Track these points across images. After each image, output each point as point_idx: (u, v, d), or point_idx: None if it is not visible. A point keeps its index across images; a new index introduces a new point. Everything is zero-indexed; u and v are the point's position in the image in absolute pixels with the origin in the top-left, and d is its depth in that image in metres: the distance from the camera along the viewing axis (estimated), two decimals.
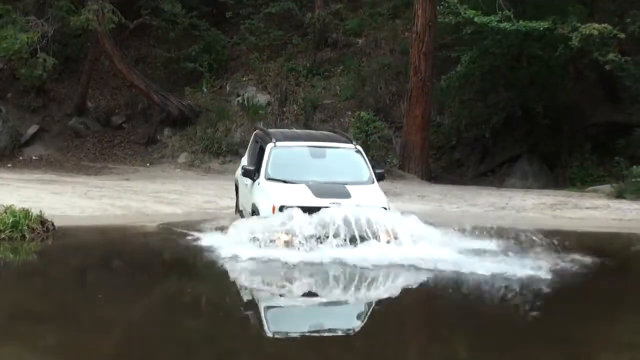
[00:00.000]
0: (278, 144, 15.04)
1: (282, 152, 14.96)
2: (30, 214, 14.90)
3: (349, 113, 29.34)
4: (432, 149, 28.80)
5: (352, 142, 15.81)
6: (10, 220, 14.40)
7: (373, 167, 15.38)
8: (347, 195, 13.66)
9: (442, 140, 29.73)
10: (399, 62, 30.37)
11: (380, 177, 15.06)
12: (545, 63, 26.99)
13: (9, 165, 26.79)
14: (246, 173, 14.88)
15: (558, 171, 28.16)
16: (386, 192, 22.69)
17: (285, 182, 14.29)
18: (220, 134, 29.27)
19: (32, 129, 29.03)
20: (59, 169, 26.60)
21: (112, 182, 24.20)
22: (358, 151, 15.33)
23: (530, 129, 28.28)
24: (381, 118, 28.32)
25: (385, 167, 25.92)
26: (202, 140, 29.09)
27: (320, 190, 13.81)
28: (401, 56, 30.38)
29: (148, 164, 28.57)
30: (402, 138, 28.46)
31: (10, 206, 15.13)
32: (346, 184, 14.24)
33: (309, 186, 13.98)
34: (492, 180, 27.86)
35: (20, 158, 28.13)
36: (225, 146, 28.82)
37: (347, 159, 15.26)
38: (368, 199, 13.81)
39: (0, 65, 29.01)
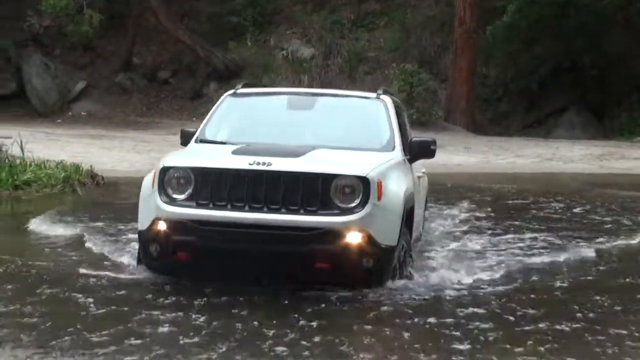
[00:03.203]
0: (240, 91, 9.20)
1: (241, 104, 9.18)
2: (81, 168, 15.29)
3: (394, 65, 29.40)
4: (477, 101, 28.86)
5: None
6: (62, 175, 14.74)
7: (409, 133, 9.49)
8: (295, 154, 7.56)
9: (488, 92, 29.76)
10: (444, 13, 30.35)
11: (423, 150, 8.66)
12: (593, 11, 26.77)
13: (59, 120, 27.27)
14: (183, 138, 8.93)
15: (606, 122, 28.12)
16: None
17: (224, 144, 8.36)
18: None
19: (80, 85, 29.49)
20: (107, 124, 27.02)
21: (159, 136, 24.55)
22: (380, 101, 8.92)
23: (577, 79, 28.19)
24: (426, 70, 28.34)
25: (431, 119, 26.26)
26: None
27: (251, 148, 7.82)
28: (446, 7, 30.34)
29: (194, 118, 28.76)
30: (447, 90, 28.58)
31: (61, 161, 15.56)
32: (336, 147, 8.13)
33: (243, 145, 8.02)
34: (539, 132, 27.92)
35: (70, 114, 28.62)
36: None
37: (353, 114, 9.14)
38: (340, 161, 7.70)
39: (48, 22, 29.41)
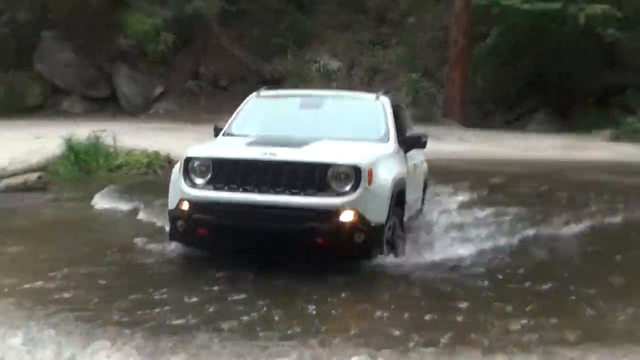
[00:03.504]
0: (263, 93, 8.73)
1: (262, 103, 8.57)
2: (160, 155, 15.04)
3: (402, 75, 28.88)
4: (467, 103, 28.23)
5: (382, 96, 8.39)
6: (145, 161, 14.59)
7: (407, 128, 8.62)
8: (299, 145, 6.92)
9: (477, 96, 29.12)
10: (443, 35, 29.76)
11: (415, 142, 8.03)
12: (557, 37, 26.29)
13: (142, 117, 26.99)
14: (215, 132, 8.38)
15: (568, 119, 27.58)
16: (429, 136, 22.61)
17: (244, 137, 7.64)
18: None
19: (159, 90, 29.11)
20: (181, 121, 26.58)
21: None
22: (379, 101, 8.18)
23: (547, 86, 27.60)
24: (428, 79, 27.87)
25: (431, 117, 25.68)
26: None
27: (262, 140, 7.30)
28: (444, 30, 29.75)
29: None
30: (444, 95, 28.03)
31: (145, 149, 15.30)
32: (337, 139, 7.38)
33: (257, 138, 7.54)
34: (516, 127, 27.30)
35: (151, 112, 28.32)
36: None
37: (355, 111, 8.36)
38: (336, 151, 6.89)
39: (133, 42, 29.01)
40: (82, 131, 15.30)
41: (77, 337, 4.76)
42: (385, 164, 7.00)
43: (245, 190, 6.53)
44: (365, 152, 6.99)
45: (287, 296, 5.67)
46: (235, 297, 5.57)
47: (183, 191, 6.77)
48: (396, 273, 6.54)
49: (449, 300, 5.78)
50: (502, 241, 8.05)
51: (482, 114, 28.73)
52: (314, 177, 6.45)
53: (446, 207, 10.63)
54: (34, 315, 5.13)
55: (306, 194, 6.42)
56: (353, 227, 6.39)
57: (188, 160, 6.85)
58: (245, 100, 8.50)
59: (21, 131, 20.43)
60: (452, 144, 21.10)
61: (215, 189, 6.66)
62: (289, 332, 4.92)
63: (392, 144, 7.61)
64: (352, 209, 6.38)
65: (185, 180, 6.80)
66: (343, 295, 5.78)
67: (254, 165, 6.59)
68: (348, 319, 5.37)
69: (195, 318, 5.10)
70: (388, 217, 6.72)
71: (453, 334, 4.95)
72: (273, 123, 8.24)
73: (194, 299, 5.52)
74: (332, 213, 6.37)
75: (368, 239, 6.48)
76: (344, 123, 8.03)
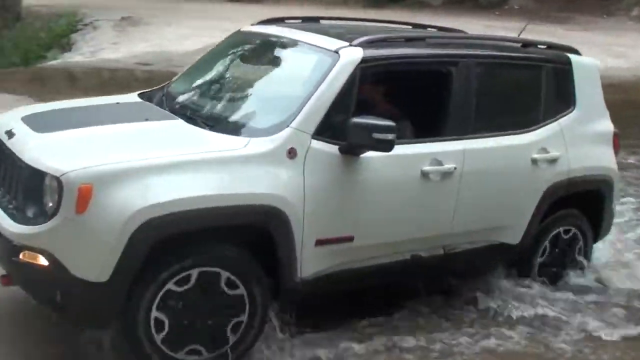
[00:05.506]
0: (245, 29, 5.80)
1: (226, 46, 5.76)
2: None
3: None
4: None
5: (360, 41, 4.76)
6: None
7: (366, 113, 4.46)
8: (53, 127, 4.42)
9: None
10: None
11: (362, 137, 4.30)
12: None
13: (497, 13, 26.53)
14: None
15: None
16: None
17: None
18: None
19: None
20: (532, 17, 25.75)
21: (576, 33, 22.51)
22: (334, 56, 4.66)
23: None
24: None
25: None
26: None
27: (43, 114, 4.84)
28: None
29: (604, 16, 26.64)
30: None
31: None
32: (196, 122, 4.58)
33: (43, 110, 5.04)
34: None
35: (506, 7, 27.78)
36: None
37: (288, 72, 5.14)
38: (72, 149, 4.14)
39: None
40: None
41: None
42: (172, 178, 3.98)
43: None
44: (141, 152, 4.11)
45: None
46: None
47: None
48: None
49: None
50: None
51: None
52: (30, 185, 4.06)
53: None
54: None
55: (9, 208, 4.16)
56: (41, 276, 3.91)
57: None
58: (225, 38, 5.94)
59: None
60: None
61: None
62: None
63: (274, 140, 4.32)
64: (39, 247, 3.85)
65: None
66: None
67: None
68: None
69: None
70: (121, 273, 3.85)
71: None
72: (192, 81, 5.56)
73: None
74: (13, 247, 3.94)
75: (69, 300, 3.89)
76: (250, 92, 5.11)
